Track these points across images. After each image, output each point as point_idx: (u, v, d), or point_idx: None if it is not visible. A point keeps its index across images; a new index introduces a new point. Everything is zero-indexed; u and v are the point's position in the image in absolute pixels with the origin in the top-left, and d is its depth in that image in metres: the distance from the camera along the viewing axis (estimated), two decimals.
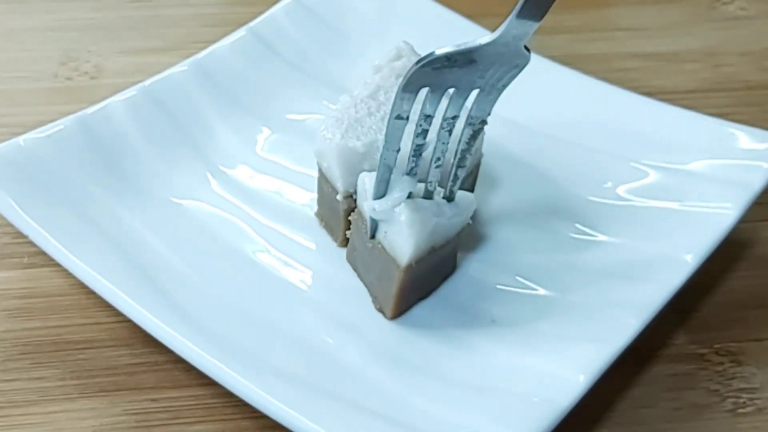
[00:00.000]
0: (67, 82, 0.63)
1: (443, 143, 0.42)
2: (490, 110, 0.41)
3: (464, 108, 0.41)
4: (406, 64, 0.48)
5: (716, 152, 0.51)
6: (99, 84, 0.63)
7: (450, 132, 0.41)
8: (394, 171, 0.42)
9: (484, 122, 0.42)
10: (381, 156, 0.41)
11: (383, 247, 0.43)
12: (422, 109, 0.40)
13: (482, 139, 0.47)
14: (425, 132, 0.41)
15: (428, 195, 0.43)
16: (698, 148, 0.52)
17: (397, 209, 0.42)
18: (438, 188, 0.43)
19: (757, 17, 0.72)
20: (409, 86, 0.39)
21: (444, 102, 0.40)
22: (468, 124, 0.41)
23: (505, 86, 0.40)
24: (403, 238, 0.42)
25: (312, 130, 0.52)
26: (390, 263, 0.43)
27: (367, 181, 0.43)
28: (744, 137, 0.51)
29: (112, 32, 0.68)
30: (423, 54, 0.48)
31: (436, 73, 0.39)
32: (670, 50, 0.68)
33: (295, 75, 0.59)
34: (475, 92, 0.40)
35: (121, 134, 0.52)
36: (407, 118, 0.40)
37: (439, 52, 0.38)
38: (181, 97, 0.55)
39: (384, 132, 0.41)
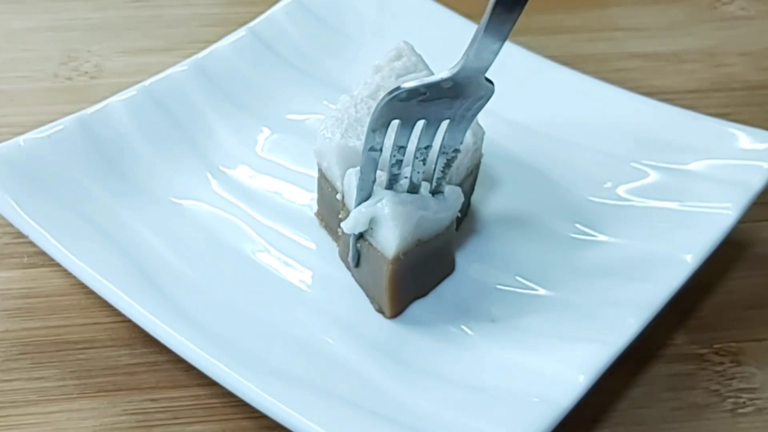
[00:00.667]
0: (67, 82, 0.63)
1: (418, 172, 0.42)
2: (462, 139, 0.42)
3: (436, 137, 0.42)
4: (406, 64, 0.48)
5: (716, 152, 0.51)
6: (99, 84, 0.63)
7: (424, 161, 0.42)
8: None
9: (457, 151, 0.42)
10: (357, 187, 0.42)
11: (371, 244, 0.43)
12: (394, 141, 0.41)
13: (482, 139, 0.47)
14: (399, 162, 0.42)
15: (413, 189, 0.43)
16: (698, 148, 0.52)
17: (380, 204, 0.42)
18: (424, 182, 0.44)
19: (757, 17, 0.72)
20: (380, 120, 0.40)
21: (416, 132, 0.41)
22: (441, 153, 0.42)
23: (474, 116, 0.41)
24: (387, 230, 0.42)
25: (312, 130, 0.52)
26: (379, 258, 0.43)
27: (354, 179, 0.43)
28: (744, 137, 0.51)
29: (113, 32, 0.68)
30: (423, 54, 0.49)
31: (403, 106, 0.39)
32: (670, 50, 0.68)
33: (295, 75, 0.59)
34: (445, 123, 0.41)
35: (121, 134, 0.52)
36: (380, 149, 0.41)
37: (404, 86, 0.39)
38: (181, 97, 0.55)
39: (360, 164, 0.42)
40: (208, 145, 0.54)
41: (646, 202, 0.50)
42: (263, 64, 0.58)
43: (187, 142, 0.53)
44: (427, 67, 0.48)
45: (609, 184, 0.52)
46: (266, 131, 0.56)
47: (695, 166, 0.51)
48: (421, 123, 0.41)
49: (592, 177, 0.52)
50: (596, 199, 0.51)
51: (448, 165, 0.43)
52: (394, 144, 0.41)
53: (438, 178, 0.43)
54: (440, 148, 0.42)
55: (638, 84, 0.62)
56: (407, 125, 0.41)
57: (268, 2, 0.62)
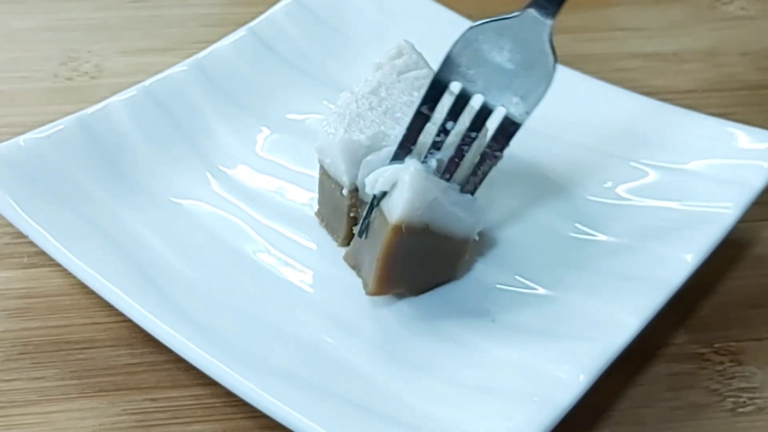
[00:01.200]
0: (67, 82, 0.63)
1: (456, 160, 0.43)
2: (509, 141, 0.43)
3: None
4: (407, 61, 0.48)
5: (716, 152, 0.51)
6: (99, 84, 0.63)
7: (466, 149, 0.43)
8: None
9: (500, 153, 0.43)
10: (399, 143, 0.43)
11: (381, 212, 0.43)
12: (450, 107, 0.42)
13: (485, 136, 0.47)
14: (444, 133, 0.43)
15: (444, 176, 0.43)
16: (698, 148, 0.52)
17: (402, 171, 0.42)
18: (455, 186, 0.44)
19: (757, 17, 0.72)
20: (445, 69, 0.41)
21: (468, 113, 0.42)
22: (485, 149, 0.43)
23: (528, 112, 0.42)
24: (399, 194, 0.42)
25: (312, 130, 0.53)
26: (382, 224, 0.42)
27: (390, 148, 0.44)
28: (744, 137, 0.51)
29: (113, 32, 0.68)
30: (423, 54, 0.49)
31: (471, 56, 0.41)
32: (670, 50, 0.68)
33: (295, 75, 0.59)
34: (497, 116, 0.42)
35: (121, 134, 0.52)
36: (430, 116, 0.42)
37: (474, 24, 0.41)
38: (181, 97, 0.55)
39: (407, 123, 0.43)
40: (208, 145, 0.54)
41: (646, 201, 0.50)
42: (263, 64, 0.58)
43: (187, 142, 0.53)
44: (427, 65, 0.48)
45: (609, 184, 0.52)
46: (266, 131, 0.56)
47: (695, 165, 0.51)
48: (478, 100, 0.42)
49: (592, 177, 0.52)
50: (596, 199, 0.51)
51: (486, 166, 0.43)
52: (449, 110, 0.42)
53: (471, 177, 0.43)
54: (486, 146, 0.43)
55: (638, 84, 0.62)
56: (467, 94, 0.42)
57: (268, 2, 0.62)
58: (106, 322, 0.47)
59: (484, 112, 0.42)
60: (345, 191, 0.45)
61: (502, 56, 0.41)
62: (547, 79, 0.41)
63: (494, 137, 0.43)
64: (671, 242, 0.46)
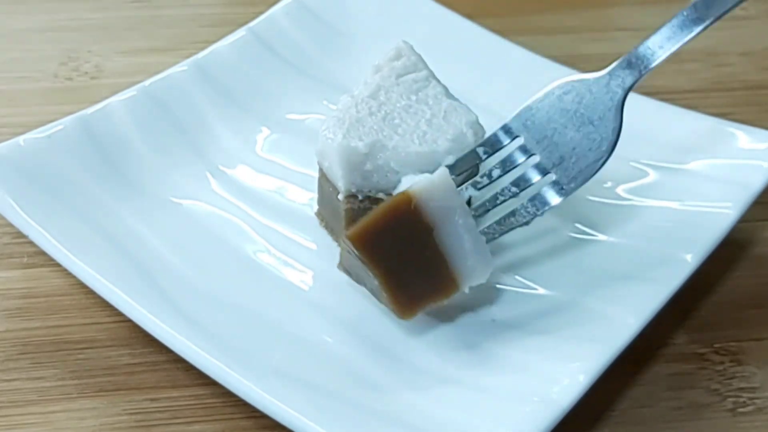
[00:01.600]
0: (67, 82, 0.63)
1: (488, 205, 0.44)
2: (544, 212, 0.44)
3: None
4: (406, 63, 0.48)
5: (716, 152, 0.51)
6: (99, 84, 0.63)
7: (502, 200, 0.44)
8: None
9: (530, 218, 0.44)
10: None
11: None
12: (501, 161, 0.44)
13: (483, 138, 0.47)
14: (489, 176, 0.44)
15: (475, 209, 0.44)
16: (698, 148, 0.52)
17: (433, 175, 0.41)
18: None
19: (757, 17, 0.72)
20: (518, 119, 0.44)
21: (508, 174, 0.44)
22: (517, 207, 0.44)
23: (574, 188, 0.44)
24: (431, 177, 0.41)
25: (312, 130, 0.52)
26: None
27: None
28: (744, 137, 0.51)
29: (112, 32, 0.68)
30: (422, 54, 0.49)
31: (543, 112, 0.44)
32: None
33: (295, 75, 0.59)
34: (547, 182, 0.44)
35: (121, 134, 0.52)
36: (482, 159, 0.44)
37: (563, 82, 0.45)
38: (181, 97, 0.55)
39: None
40: (208, 145, 0.54)
41: (646, 201, 0.50)
42: (263, 64, 0.58)
43: (187, 142, 0.53)
44: (426, 66, 0.48)
45: (609, 184, 0.52)
46: (266, 131, 0.56)
47: (695, 165, 0.51)
48: (533, 160, 0.44)
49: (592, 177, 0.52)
50: (596, 199, 0.51)
51: (513, 222, 0.44)
52: (502, 160, 0.44)
53: (495, 224, 0.44)
54: (521, 205, 0.44)
55: (638, 84, 0.61)
56: (525, 149, 0.44)
57: (268, 2, 0.62)
58: (106, 322, 0.47)
59: (533, 174, 0.44)
60: (341, 196, 0.45)
61: (572, 119, 0.43)
62: (604, 155, 0.43)
63: (533, 200, 0.44)
64: (671, 242, 0.46)
